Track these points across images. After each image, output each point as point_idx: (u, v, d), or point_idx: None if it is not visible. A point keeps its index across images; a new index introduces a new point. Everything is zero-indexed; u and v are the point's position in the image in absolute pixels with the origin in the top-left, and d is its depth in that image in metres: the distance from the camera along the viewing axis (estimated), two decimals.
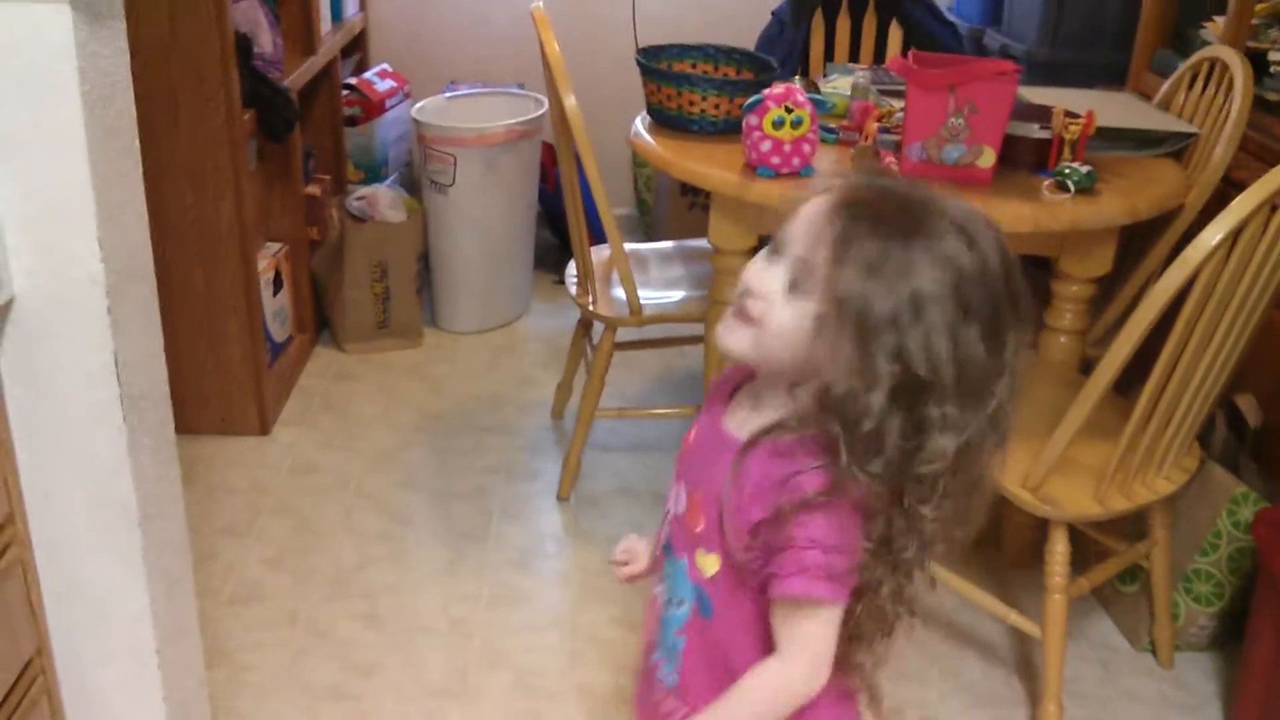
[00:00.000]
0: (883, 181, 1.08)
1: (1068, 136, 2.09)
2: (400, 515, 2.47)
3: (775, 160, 2.01)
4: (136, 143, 1.34)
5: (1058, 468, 1.77)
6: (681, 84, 2.22)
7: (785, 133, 1.99)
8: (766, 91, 2.00)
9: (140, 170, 1.35)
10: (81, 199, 1.21)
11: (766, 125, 1.99)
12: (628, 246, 2.70)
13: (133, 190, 1.32)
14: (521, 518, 2.50)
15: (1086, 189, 2.01)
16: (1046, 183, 2.04)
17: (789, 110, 1.99)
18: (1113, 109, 2.39)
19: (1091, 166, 2.02)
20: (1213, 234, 1.49)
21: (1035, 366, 2.19)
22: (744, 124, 2.03)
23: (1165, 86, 2.45)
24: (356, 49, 3.79)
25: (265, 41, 2.73)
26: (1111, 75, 3.05)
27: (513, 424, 2.85)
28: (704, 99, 2.22)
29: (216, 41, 2.37)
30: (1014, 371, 1.00)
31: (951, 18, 3.51)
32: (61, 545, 1.32)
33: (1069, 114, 2.12)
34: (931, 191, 1.03)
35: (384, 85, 3.64)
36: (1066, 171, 2.01)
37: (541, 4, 2.24)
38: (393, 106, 3.65)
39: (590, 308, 2.43)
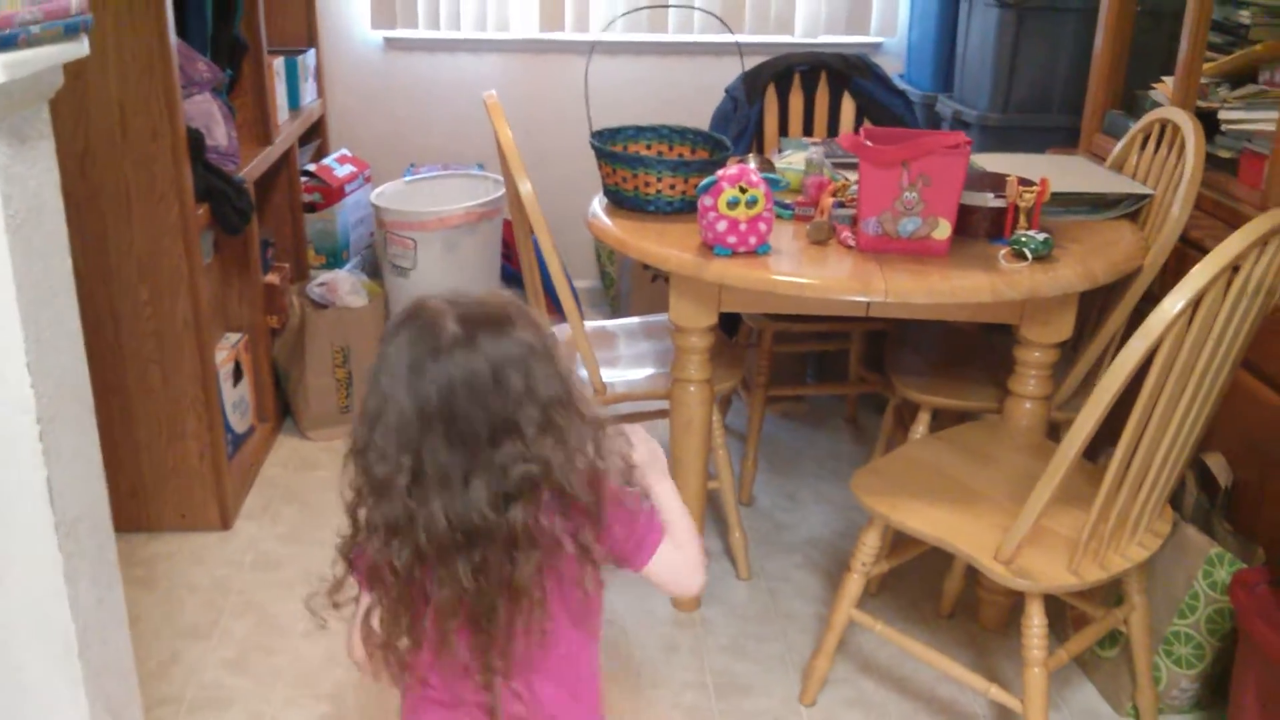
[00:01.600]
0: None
1: (1022, 205, 2.09)
2: None
3: (731, 240, 2.01)
4: (68, 262, 1.31)
5: (1029, 538, 1.75)
6: (637, 166, 2.22)
7: (740, 212, 1.99)
8: (720, 172, 2.00)
9: (72, 290, 1.32)
10: (7, 324, 1.18)
11: (721, 205, 1.99)
12: (594, 324, 2.70)
13: (64, 310, 1.29)
14: None
15: (1043, 256, 2.01)
16: (1003, 251, 2.04)
17: (743, 190, 1.98)
18: (1066, 173, 2.41)
19: (1048, 234, 2.03)
20: (1173, 302, 1.49)
21: (1001, 433, 2.18)
22: (699, 205, 2.03)
23: (1117, 148, 2.48)
24: (315, 135, 3.79)
25: (219, 135, 2.72)
26: (1063, 138, 3.08)
27: None
28: (659, 180, 2.22)
29: (168, 138, 2.36)
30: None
31: (903, 86, 3.56)
32: (2, 677, 1.27)
33: (1023, 181, 2.13)
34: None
35: (343, 170, 3.64)
36: (1023, 240, 2.02)
37: (494, 92, 2.24)
38: (353, 191, 3.65)
39: None
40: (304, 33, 3.66)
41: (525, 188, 2.13)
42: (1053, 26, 3.08)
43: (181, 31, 2.73)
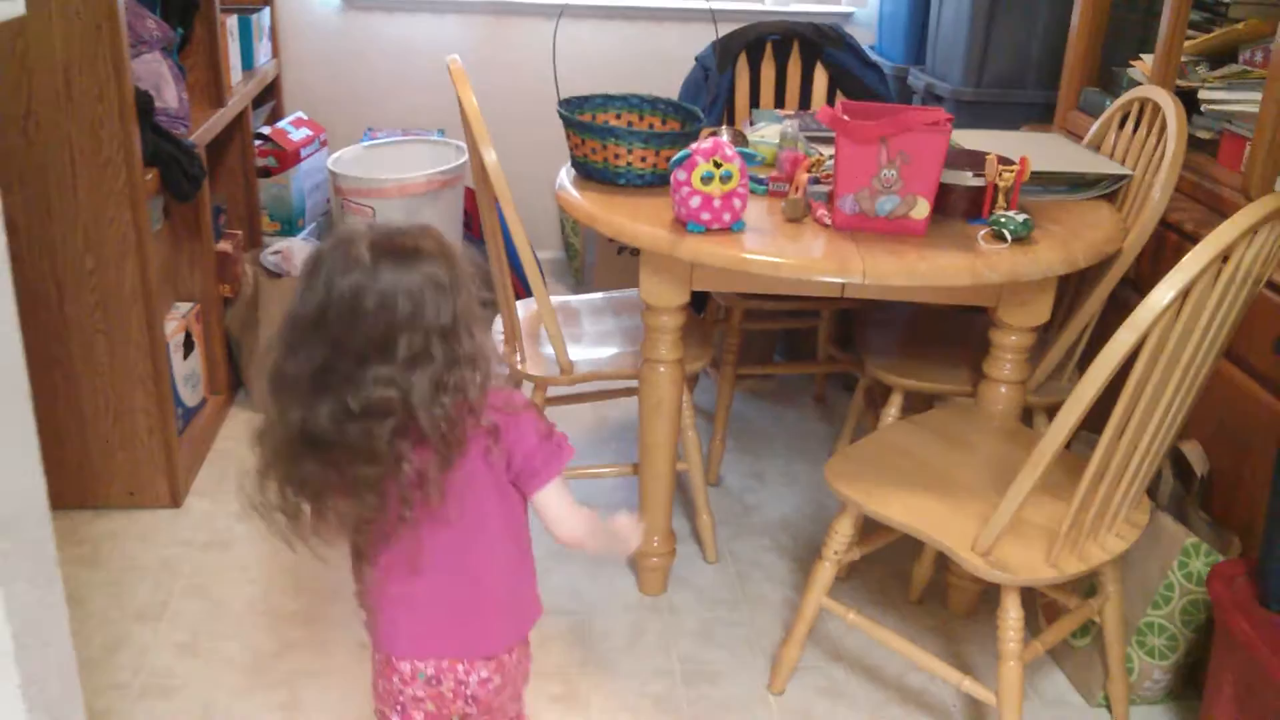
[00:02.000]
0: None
1: (1001, 184, 2.04)
2: (321, 594, 2.34)
3: (705, 216, 1.94)
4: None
5: (1007, 529, 1.71)
6: (606, 137, 2.14)
7: (714, 188, 1.92)
8: (694, 146, 1.93)
9: (4, 261, 1.22)
10: None
11: (695, 180, 1.92)
12: (558, 299, 2.62)
13: None
14: None
15: (1023, 238, 1.96)
16: (982, 232, 1.99)
17: (717, 165, 1.91)
18: (1044, 151, 2.36)
19: (1027, 215, 1.98)
20: (1163, 293, 1.44)
21: (975, 417, 2.14)
22: (672, 179, 1.96)
23: (1095, 127, 2.43)
24: (270, 97, 3.67)
25: (170, 96, 2.61)
26: (1038, 114, 3.04)
27: None
28: (630, 152, 2.14)
29: (115, 100, 2.25)
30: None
31: (875, 58, 3.50)
32: None
33: (1003, 160, 2.08)
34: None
35: (299, 134, 3.53)
36: (1002, 220, 1.97)
37: (458, 57, 2.15)
38: (309, 155, 3.54)
39: (519, 366, 2.33)
40: None
41: (490, 157, 2.05)
42: (1028, 1, 3.03)
43: None
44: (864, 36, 3.75)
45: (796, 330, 3.23)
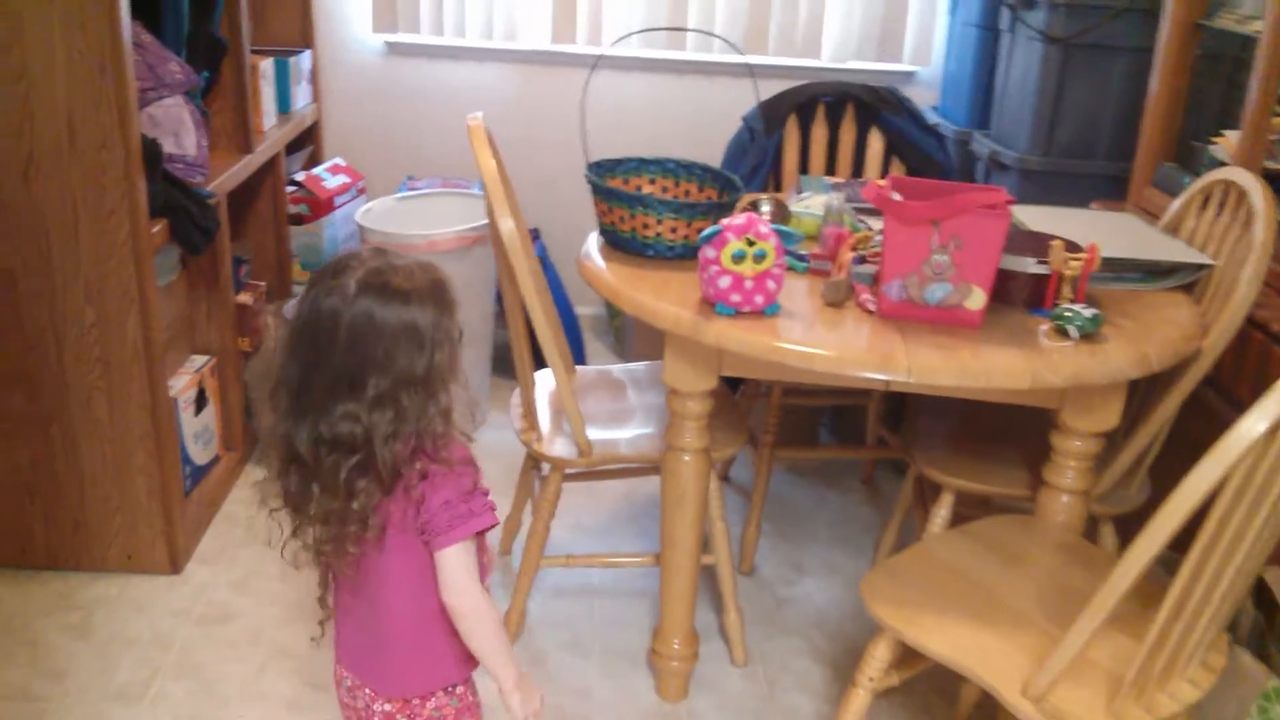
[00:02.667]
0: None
1: (1068, 273, 1.85)
2: (317, 678, 2.18)
3: (735, 298, 1.77)
4: None
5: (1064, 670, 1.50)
6: (635, 206, 1.98)
7: (746, 267, 1.75)
8: (725, 222, 1.77)
9: None
10: None
11: (725, 259, 1.75)
12: (598, 368, 2.47)
13: None
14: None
15: (1091, 335, 1.77)
16: (1044, 326, 1.80)
17: (750, 243, 1.75)
18: (1115, 233, 2.17)
19: (1096, 310, 1.78)
20: (1254, 423, 1.24)
21: (1033, 529, 1.93)
22: (700, 257, 1.79)
23: (1173, 208, 2.23)
24: (308, 142, 3.57)
25: (188, 143, 2.50)
26: (1109, 188, 2.83)
27: None
28: (660, 221, 1.98)
29: (120, 148, 2.13)
30: None
31: (935, 119, 3.32)
32: None
33: (1069, 246, 1.89)
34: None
35: (334, 181, 3.42)
36: (1068, 315, 1.77)
37: (480, 115, 2.01)
38: (344, 204, 3.42)
39: (535, 445, 2.17)
40: (299, 33, 3.44)
41: (506, 225, 1.90)
42: (1102, 65, 2.82)
43: (155, 28, 2.51)
44: (926, 97, 3.57)
45: (844, 407, 3.04)
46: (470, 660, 1.47)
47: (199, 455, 2.70)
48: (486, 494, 1.39)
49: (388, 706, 1.47)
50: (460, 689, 1.49)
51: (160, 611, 2.35)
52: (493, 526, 1.39)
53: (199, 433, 2.69)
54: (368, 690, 1.47)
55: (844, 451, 3.06)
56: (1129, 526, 2.16)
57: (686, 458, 1.99)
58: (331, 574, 1.47)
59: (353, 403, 1.28)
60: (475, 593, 1.39)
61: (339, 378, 1.28)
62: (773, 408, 2.60)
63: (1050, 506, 1.94)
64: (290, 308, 1.32)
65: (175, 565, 2.47)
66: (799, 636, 2.39)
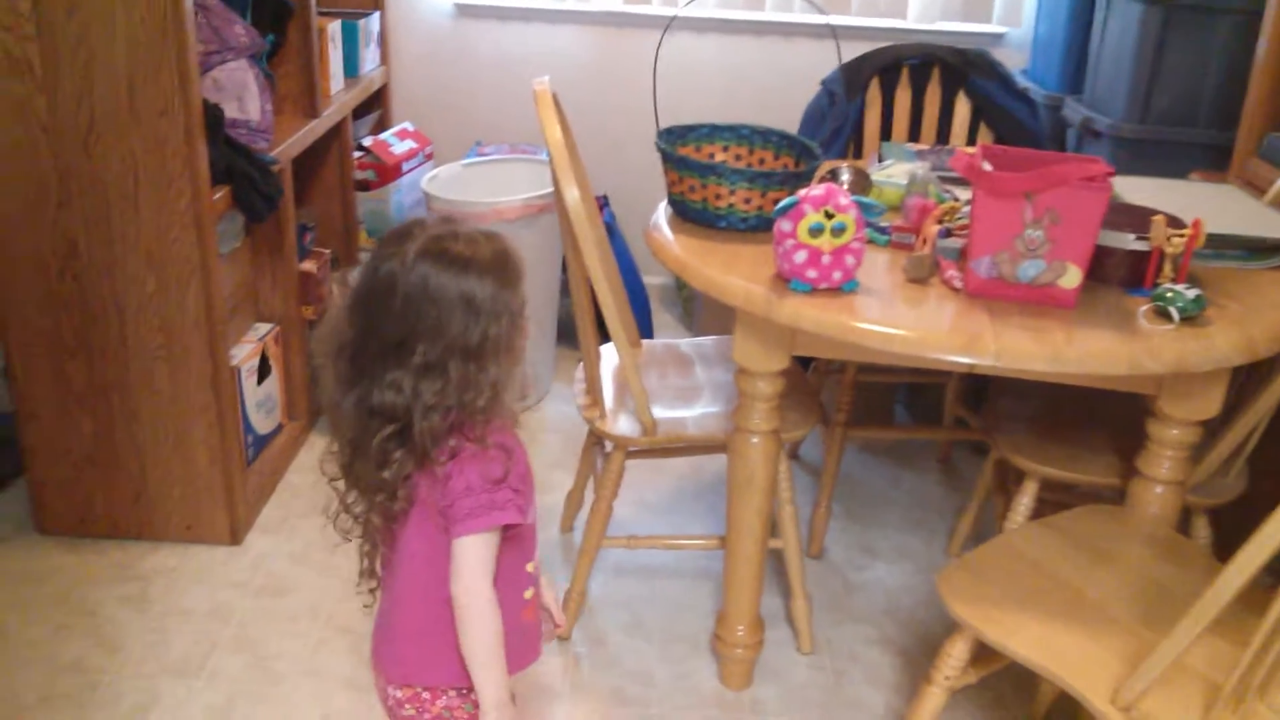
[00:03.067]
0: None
1: (1169, 250, 1.72)
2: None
3: (812, 274, 1.67)
4: None
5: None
6: (707, 175, 1.89)
7: (824, 241, 1.65)
8: (802, 192, 1.67)
9: None
10: None
11: (802, 233, 1.65)
12: (666, 341, 2.40)
13: None
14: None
15: (1193, 317, 1.64)
16: (1144, 308, 1.68)
17: (829, 215, 1.65)
18: (1217, 207, 2.03)
19: (1199, 291, 1.66)
20: None
21: (1123, 521, 1.82)
22: (775, 230, 1.70)
23: None
24: (376, 106, 3.51)
25: (252, 108, 2.45)
26: (1210, 158, 2.67)
27: None
28: (732, 192, 1.89)
29: (181, 114, 2.08)
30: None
31: (1025, 84, 3.16)
32: None
33: (1172, 221, 1.76)
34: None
35: (402, 147, 3.36)
36: (1169, 295, 1.65)
37: (547, 80, 1.92)
38: (411, 169, 3.37)
39: (598, 422, 2.09)
40: None
41: (572, 195, 1.82)
42: (1204, 28, 2.65)
43: None
44: (1016, 60, 3.41)
45: (921, 384, 2.92)
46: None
47: (261, 424, 2.67)
48: (517, 489, 1.31)
49: (399, 693, 1.41)
50: (475, 695, 1.38)
51: (219, 583, 2.33)
52: (514, 524, 1.31)
53: (261, 401, 2.66)
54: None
55: (921, 432, 2.95)
56: (1223, 517, 2.04)
57: (755, 440, 1.90)
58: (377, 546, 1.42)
59: (400, 370, 1.24)
60: (481, 591, 1.31)
61: (389, 344, 1.25)
62: (846, 386, 2.50)
63: (1143, 498, 1.82)
64: (354, 274, 1.28)
65: (235, 536, 2.44)
66: (869, 624, 2.29)
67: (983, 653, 1.72)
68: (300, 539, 2.48)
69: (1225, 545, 2.07)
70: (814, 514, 2.51)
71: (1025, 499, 2.02)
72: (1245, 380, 1.95)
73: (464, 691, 1.39)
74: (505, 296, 1.27)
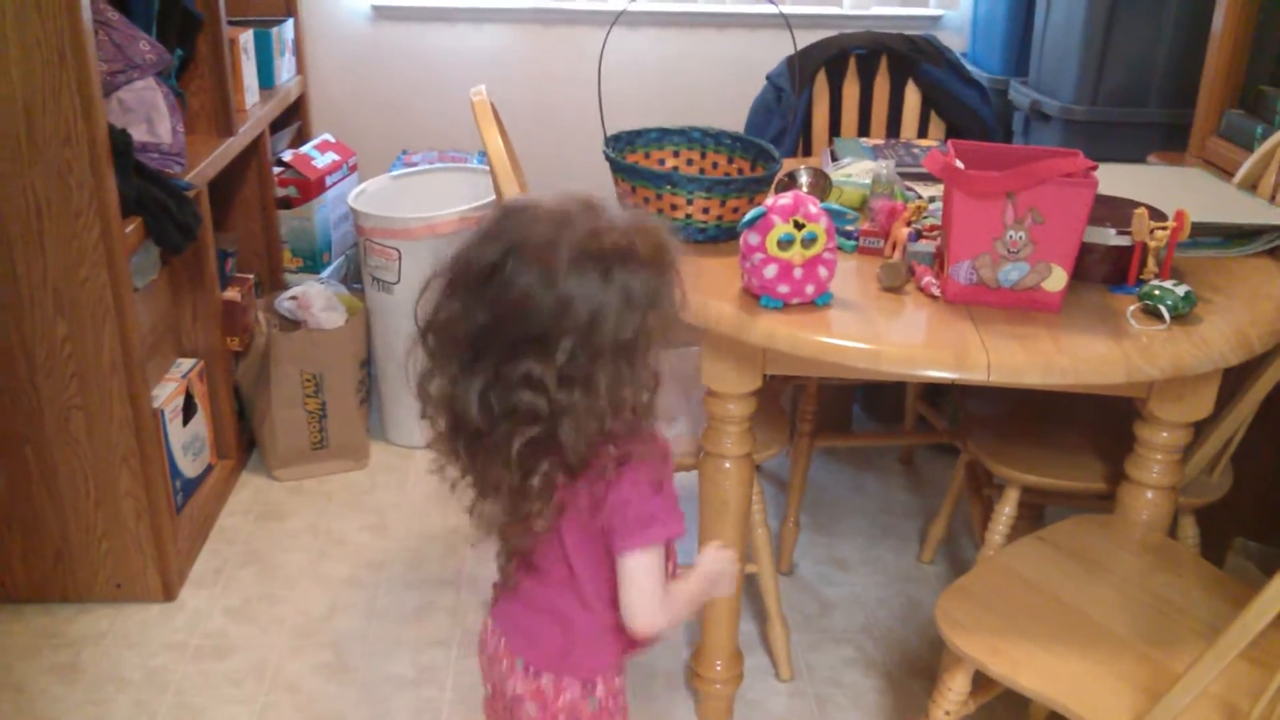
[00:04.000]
0: None
1: (1152, 244, 1.64)
2: (325, 716, 1.99)
3: (783, 289, 1.56)
4: None
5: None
6: (661, 184, 1.77)
7: (795, 253, 1.54)
8: (769, 202, 1.55)
9: None
10: None
11: (771, 245, 1.54)
12: None
13: None
14: (477, 712, 2.02)
15: (1183, 315, 1.56)
16: (1132, 307, 1.59)
17: (799, 225, 1.53)
18: (1186, 192, 1.96)
19: (1188, 287, 1.57)
20: None
21: (1114, 530, 1.73)
22: (742, 243, 1.58)
23: (1249, 163, 2.01)
24: (294, 118, 3.34)
25: (163, 130, 2.28)
26: (1164, 138, 2.61)
27: (469, 573, 2.38)
28: (689, 202, 1.77)
29: (85, 142, 1.91)
30: None
31: (968, 67, 3.08)
32: None
33: (1153, 214, 1.68)
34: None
35: (324, 160, 3.19)
36: (1158, 293, 1.57)
37: (483, 89, 1.79)
38: (335, 183, 3.20)
39: None
40: (281, 0, 3.20)
41: None
42: (1154, 3, 2.59)
43: (122, 4, 2.29)
44: (955, 43, 3.33)
45: (879, 383, 2.83)
46: (619, 665, 1.35)
47: (189, 467, 2.51)
48: (675, 495, 1.23)
49: (519, 689, 1.31)
50: (600, 691, 1.32)
51: (154, 646, 2.16)
52: (678, 536, 1.23)
53: (188, 443, 2.49)
54: (504, 663, 1.32)
55: (887, 438, 2.85)
56: (1208, 516, 1.97)
57: (727, 465, 1.78)
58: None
59: (538, 365, 1.12)
60: (657, 615, 1.23)
61: (527, 338, 1.12)
62: (810, 395, 2.40)
63: (1134, 504, 1.74)
64: (472, 247, 1.13)
65: (168, 592, 2.27)
66: (847, 644, 2.19)
67: (982, 680, 1.62)
68: (238, 592, 2.32)
69: (1210, 545, 2.02)
70: (782, 528, 2.41)
71: (1007, 509, 1.93)
72: (1231, 373, 1.88)
73: (589, 685, 1.31)
74: (661, 281, 1.15)
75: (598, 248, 1.12)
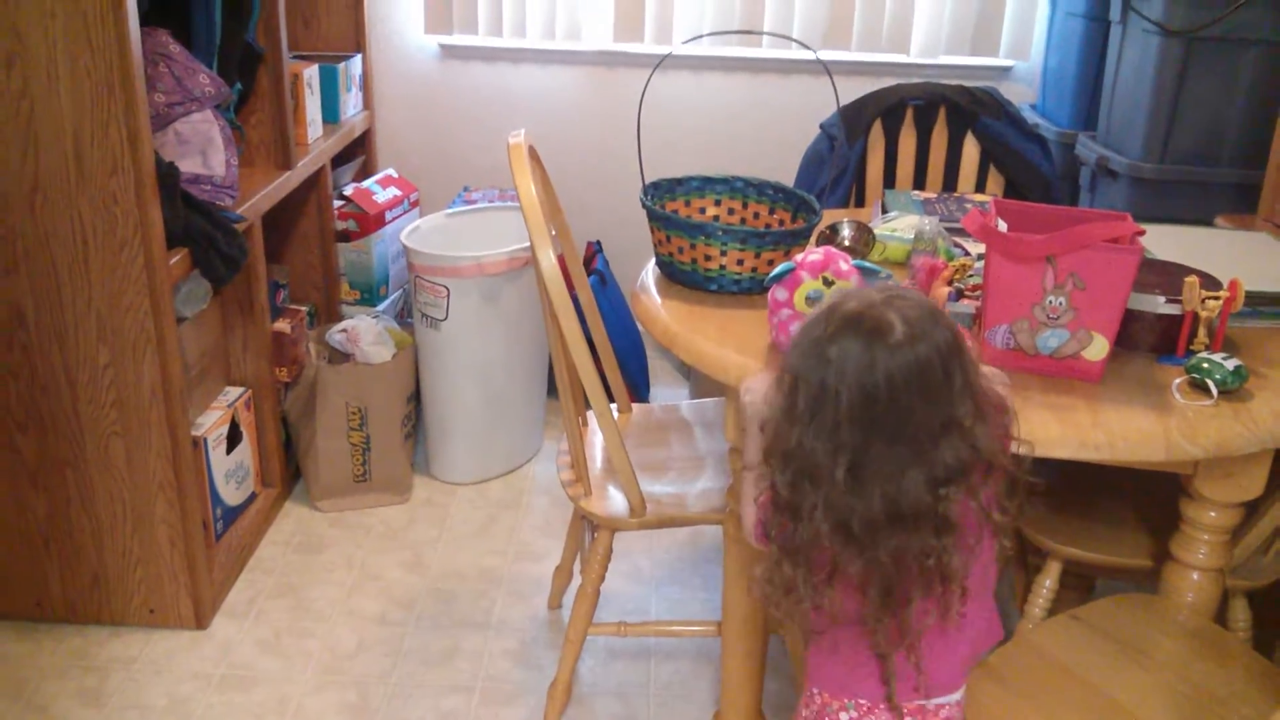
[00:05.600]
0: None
1: (1204, 314, 1.56)
2: None
3: None
4: None
5: None
6: (696, 235, 1.74)
7: None
8: (799, 258, 1.51)
9: None
10: None
11: (799, 302, 1.50)
12: (660, 406, 2.23)
13: None
14: None
15: (1233, 390, 1.48)
16: (1178, 380, 1.52)
17: (828, 283, 1.49)
18: (1248, 258, 1.88)
19: (1239, 361, 1.50)
20: None
21: (1156, 612, 1.65)
22: (770, 298, 1.54)
23: None
24: (359, 151, 3.38)
25: (216, 162, 2.31)
26: (1235, 199, 2.52)
27: (500, 616, 2.35)
28: (724, 253, 1.74)
29: (131, 172, 1.94)
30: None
31: (1035, 119, 3.01)
32: None
33: (1205, 281, 1.60)
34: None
35: (385, 195, 3.22)
36: (1206, 366, 1.49)
37: (522, 134, 1.77)
38: (395, 218, 3.22)
39: (582, 501, 1.93)
40: (352, 36, 3.24)
41: (548, 260, 1.66)
42: (1228, 60, 2.51)
43: (185, 37, 2.33)
44: (1024, 94, 3.27)
45: None
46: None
47: (232, 495, 2.52)
48: None
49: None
50: (959, 699, 1.38)
51: (181, 674, 2.17)
52: None
53: (232, 471, 2.51)
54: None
55: None
56: (1262, 599, 1.88)
57: None
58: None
59: (956, 437, 1.18)
60: None
61: (935, 422, 1.17)
62: None
63: (1179, 585, 1.65)
64: (847, 397, 1.16)
65: (200, 620, 2.28)
66: None
67: None
68: (268, 623, 2.31)
69: (1265, 633, 1.92)
70: None
71: (1049, 581, 1.86)
72: None
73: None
74: (955, 340, 1.20)
75: (911, 308, 1.18)
